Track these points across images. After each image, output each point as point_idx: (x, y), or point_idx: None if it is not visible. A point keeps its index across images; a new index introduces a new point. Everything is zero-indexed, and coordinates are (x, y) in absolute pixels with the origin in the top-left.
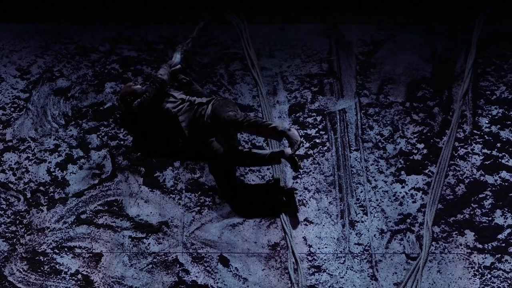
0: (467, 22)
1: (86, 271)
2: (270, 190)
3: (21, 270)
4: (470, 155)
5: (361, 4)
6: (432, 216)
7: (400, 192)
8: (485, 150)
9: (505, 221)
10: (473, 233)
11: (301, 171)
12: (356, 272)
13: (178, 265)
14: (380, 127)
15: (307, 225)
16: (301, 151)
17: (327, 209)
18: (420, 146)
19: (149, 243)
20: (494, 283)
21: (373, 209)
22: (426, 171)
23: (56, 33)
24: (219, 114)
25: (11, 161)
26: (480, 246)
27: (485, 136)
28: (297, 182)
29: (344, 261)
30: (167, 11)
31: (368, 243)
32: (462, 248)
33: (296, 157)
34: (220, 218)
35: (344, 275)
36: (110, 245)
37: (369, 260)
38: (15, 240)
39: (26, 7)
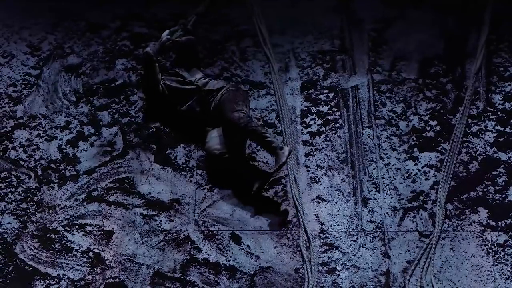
0: None
1: (97, 249)
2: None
3: (32, 247)
4: (483, 132)
5: None
6: (445, 193)
7: (413, 169)
8: (498, 127)
9: None
10: (486, 211)
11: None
12: (368, 249)
13: (189, 243)
14: (392, 104)
15: (319, 203)
16: (313, 128)
17: (340, 186)
18: (433, 123)
19: (161, 221)
20: (508, 260)
21: (385, 187)
22: (439, 148)
23: (66, 10)
24: (225, 111)
25: (22, 138)
26: (494, 223)
27: (498, 113)
28: (309, 160)
29: (357, 238)
30: None
31: (380, 220)
32: (475, 226)
33: (271, 177)
34: (232, 195)
35: (357, 252)
36: (122, 222)
37: (382, 238)
38: (26, 217)
39: None
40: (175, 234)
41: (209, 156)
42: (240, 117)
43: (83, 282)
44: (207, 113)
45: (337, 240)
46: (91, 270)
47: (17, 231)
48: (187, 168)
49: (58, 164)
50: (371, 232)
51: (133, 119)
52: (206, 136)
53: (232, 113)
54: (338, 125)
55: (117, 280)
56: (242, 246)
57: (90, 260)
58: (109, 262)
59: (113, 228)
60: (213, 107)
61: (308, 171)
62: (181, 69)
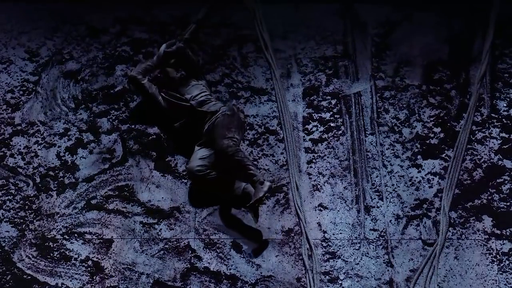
0: (484, 2)
1: (97, 257)
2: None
3: (30, 256)
4: (487, 139)
5: None
6: (449, 201)
7: (417, 177)
8: (503, 134)
9: None
10: (491, 219)
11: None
12: (371, 258)
13: (190, 251)
14: (396, 110)
15: (321, 211)
16: (315, 135)
17: (342, 194)
18: (437, 130)
19: (161, 229)
20: None
21: (388, 194)
22: (443, 155)
23: (66, 14)
24: (216, 136)
25: (20, 145)
26: (498, 231)
27: (503, 119)
28: (311, 167)
29: (359, 247)
30: None
31: (383, 228)
32: (479, 234)
33: (257, 206)
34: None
35: (359, 261)
36: (121, 230)
37: (385, 246)
38: (24, 225)
39: None
40: (175, 243)
41: (189, 176)
42: (229, 145)
43: None
44: (199, 132)
45: (339, 248)
46: (90, 279)
47: (15, 240)
48: (188, 176)
49: (56, 171)
50: (374, 240)
51: (133, 126)
52: (191, 155)
53: (222, 139)
54: (340, 132)
55: None
56: (243, 255)
57: (89, 268)
58: (108, 270)
59: (112, 237)
60: (207, 129)
61: (310, 178)
62: (181, 83)
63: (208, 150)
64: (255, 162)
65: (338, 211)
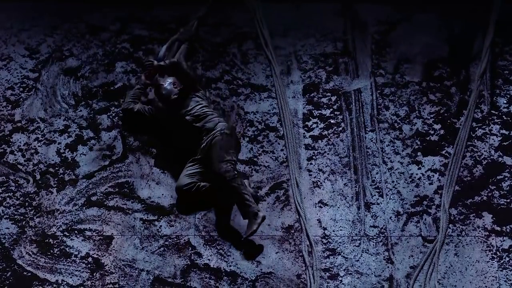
0: (484, 0)
1: (97, 254)
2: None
3: (31, 253)
4: (488, 135)
5: None
6: (449, 198)
7: (417, 174)
8: (503, 131)
9: None
10: (491, 215)
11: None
12: (371, 255)
13: (190, 248)
14: (396, 107)
15: (321, 207)
16: (315, 132)
17: (342, 191)
18: (437, 126)
19: (161, 226)
20: None
21: (389, 191)
22: (443, 152)
23: (66, 12)
24: (213, 159)
25: (20, 142)
26: (498, 228)
27: (503, 116)
28: (311, 164)
29: (360, 244)
30: None
31: (383, 225)
32: (479, 231)
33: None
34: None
35: (360, 258)
36: (121, 227)
37: (385, 243)
38: (24, 222)
39: None
40: (175, 239)
41: (178, 194)
42: (227, 169)
43: (82, 287)
44: (194, 147)
45: (339, 245)
46: (90, 276)
47: (15, 236)
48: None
49: (56, 168)
50: (374, 237)
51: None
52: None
53: (220, 163)
54: (340, 128)
55: (116, 286)
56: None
57: (89, 265)
58: (108, 267)
59: (112, 233)
60: (204, 146)
61: (310, 175)
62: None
63: (198, 167)
64: (255, 159)
65: (338, 207)
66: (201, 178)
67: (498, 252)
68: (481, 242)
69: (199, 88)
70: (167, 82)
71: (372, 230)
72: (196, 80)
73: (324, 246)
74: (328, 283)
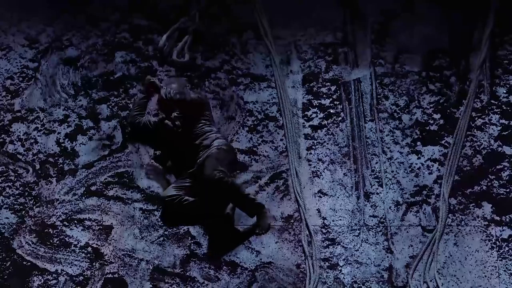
0: None
1: (96, 244)
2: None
3: (30, 242)
4: (487, 125)
5: None
6: (448, 187)
7: (416, 163)
8: (502, 121)
9: None
10: (491, 205)
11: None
12: (371, 244)
13: (189, 238)
14: (395, 97)
15: (321, 197)
16: (315, 122)
17: (342, 180)
18: (437, 116)
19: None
20: None
21: (388, 181)
22: (443, 141)
23: (65, 1)
24: (206, 168)
25: (19, 132)
26: (498, 218)
27: (503, 106)
28: (311, 153)
29: (359, 233)
30: None
31: (383, 215)
32: (479, 221)
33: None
34: None
35: (359, 248)
36: (121, 217)
37: (384, 233)
38: (23, 212)
39: None
40: (175, 229)
41: (162, 205)
42: (220, 176)
43: (81, 277)
44: (188, 164)
45: (339, 235)
46: (89, 266)
47: (14, 226)
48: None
49: (56, 158)
50: (374, 227)
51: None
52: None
53: (214, 170)
54: (340, 118)
55: (116, 275)
56: (242, 241)
57: (89, 255)
58: (108, 257)
59: (112, 223)
60: (199, 159)
61: (309, 165)
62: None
63: (188, 181)
64: (254, 149)
65: (338, 197)
66: (187, 192)
67: (497, 242)
68: (480, 231)
69: (206, 113)
70: (172, 116)
71: (372, 220)
72: (203, 106)
73: (324, 236)
74: (327, 272)
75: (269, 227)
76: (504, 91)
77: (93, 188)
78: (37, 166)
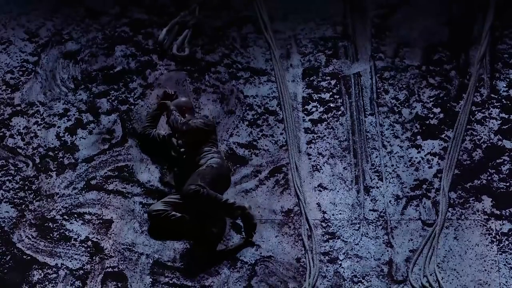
0: None
1: (96, 238)
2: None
3: (30, 236)
4: (487, 119)
5: None
6: (448, 181)
7: (416, 157)
8: (502, 114)
9: None
10: (491, 199)
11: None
12: (371, 238)
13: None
14: (395, 91)
15: (321, 191)
16: (315, 116)
17: (342, 174)
18: (437, 110)
19: None
20: None
21: (388, 175)
22: (443, 135)
23: None
24: (184, 185)
25: (19, 126)
26: (498, 212)
27: (503, 100)
28: (311, 147)
29: (359, 227)
30: None
31: (383, 209)
32: (479, 214)
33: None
34: (232, 184)
35: (359, 242)
36: (121, 211)
37: (384, 227)
38: (23, 206)
39: None
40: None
41: (149, 219)
42: (194, 189)
43: (81, 271)
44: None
45: (339, 229)
46: (89, 260)
47: (14, 220)
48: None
49: (56, 152)
50: (374, 221)
51: (132, 107)
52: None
53: (189, 185)
54: (340, 112)
55: (116, 269)
56: (243, 235)
57: (88, 249)
58: (108, 251)
59: (112, 217)
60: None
61: (309, 159)
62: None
63: (178, 198)
64: (254, 143)
65: (338, 191)
66: (175, 208)
67: (497, 236)
68: (480, 225)
69: (212, 136)
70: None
71: (372, 214)
72: (209, 133)
73: (324, 230)
74: (327, 266)
75: (256, 226)
76: (504, 85)
77: (93, 182)
78: (37, 160)
